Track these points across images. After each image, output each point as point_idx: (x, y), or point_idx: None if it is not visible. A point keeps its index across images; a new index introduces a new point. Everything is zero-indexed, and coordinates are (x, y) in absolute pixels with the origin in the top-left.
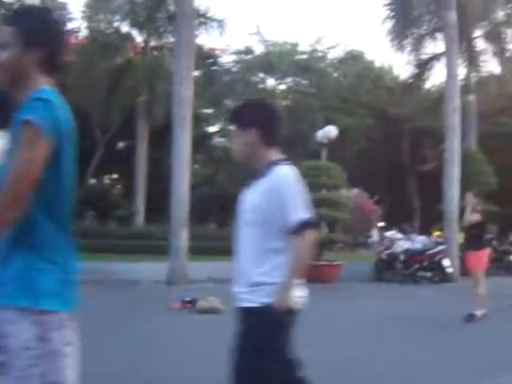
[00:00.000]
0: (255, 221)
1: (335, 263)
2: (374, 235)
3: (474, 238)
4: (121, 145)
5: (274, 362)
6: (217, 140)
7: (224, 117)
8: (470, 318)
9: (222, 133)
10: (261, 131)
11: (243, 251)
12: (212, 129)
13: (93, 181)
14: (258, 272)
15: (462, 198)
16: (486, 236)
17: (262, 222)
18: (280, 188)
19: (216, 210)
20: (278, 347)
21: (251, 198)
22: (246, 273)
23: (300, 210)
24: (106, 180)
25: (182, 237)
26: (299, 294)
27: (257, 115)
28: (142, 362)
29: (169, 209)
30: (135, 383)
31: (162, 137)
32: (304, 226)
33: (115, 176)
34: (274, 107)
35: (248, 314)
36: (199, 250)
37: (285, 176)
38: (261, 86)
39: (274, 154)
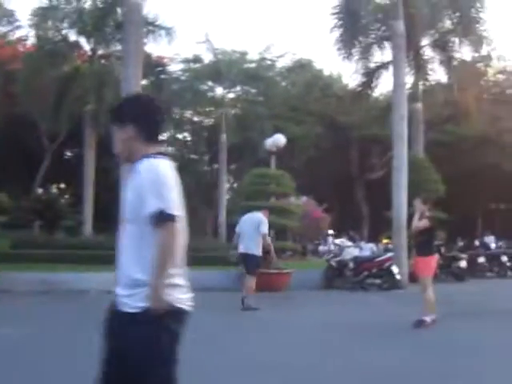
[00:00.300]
0: (131, 218)
1: (285, 271)
2: (324, 243)
3: (423, 244)
4: (68, 153)
5: (157, 369)
6: (165, 149)
7: (173, 125)
8: (419, 323)
9: (170, 141)
10: (138, 127)
11: (124, 250)
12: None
13: (40, 190)
14: (137, 270)
15: (410, 205)
16: (434, 242)
17: (136, 218)
18: (144, 181)
19: None
20: (161, 354)
21: (125, 195)
22: (126, 272)
23: (160, 202)
24: (54, 189)
25: None
26: (180, 295)
27: (133, 110)
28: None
29: (117, 218)
30: None
31: (110, 145)
32: (161, 218)
33: (63, 185)
34: (152, 101)
35: (128, 320)
36: None
37: (150, 168)
38: (209, 94)
39: (153, 150)
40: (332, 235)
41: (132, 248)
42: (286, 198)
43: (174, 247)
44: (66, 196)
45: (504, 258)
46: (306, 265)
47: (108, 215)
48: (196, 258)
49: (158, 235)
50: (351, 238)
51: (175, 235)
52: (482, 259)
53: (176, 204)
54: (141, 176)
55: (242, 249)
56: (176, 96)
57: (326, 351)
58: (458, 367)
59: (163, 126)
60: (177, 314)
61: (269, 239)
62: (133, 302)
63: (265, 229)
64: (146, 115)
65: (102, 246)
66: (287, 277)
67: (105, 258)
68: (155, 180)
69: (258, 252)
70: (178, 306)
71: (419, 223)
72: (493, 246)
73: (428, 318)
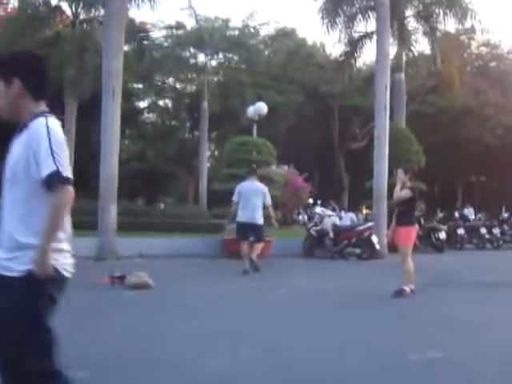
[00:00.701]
0: (17, 177)
1: (266, 239)
2: (304, 212)
3: (404, 213)
4: None
5: (31, 335)
6: (146, 116)
7: (154, 92)
8: (399, 293)
9: (151, 108)
10: (25, 83)
11: (8, 211)
12: (142, 104)
13: None
14: (24, 232)
15: (391, 175)
16: (414, 213)
17: (24, 178)
18: (35, 140)
19: (145, 186)
20: (37, 319)
21: (12, 153)
22: (10, 235)
23: (53, 164)
24: None
25: (111, 213)
26: (64, 261)
27: (19, 66)
28: (71, 338)
29: (98, 184)
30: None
31: (90, 112)
32: (57, 180)
33: None
34: (39, 58)
35: (7, 284)
36: (128, 225)
37: (42, 128)
38: (192, 61)
39: (41, 107)
40: (312, 204)
41: (17, 209)
42: (268, 166)
43: (66, 211)
44: None
45: (483, 230)
46: (287, 233)
47: (88, 181)
48: (178, 225)
49: (52, 197)
50: (331, 207)
51: (68, 198)
52: (461, 231)
53: (67, 166)
54: (33, 135)
55: (245, 218)
56: (158, 63)
57: (300, 319)
58: (436, 337)
59: (48, 84)
60: (59, 281)
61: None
62: (16, 265)
63: (270, 200)
64: (34, 72)
65: (82, 211)
66: (268, 244)
67: (85, 223)
68: (49, 140)
69: (262, 221)
70: (61, 272)
71: (401, 193)
72: (472, 218)
73: (407, 288)
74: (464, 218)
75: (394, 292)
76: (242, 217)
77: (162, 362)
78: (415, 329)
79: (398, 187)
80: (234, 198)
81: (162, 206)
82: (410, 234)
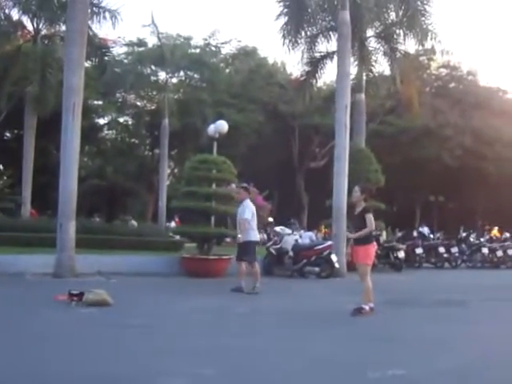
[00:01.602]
0: None
1: (224, 257)
2: (264, 231)
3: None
4: (8, 135)
5: None
6: (106, 132)
7: (115, 109)
8: (358, 311)
9: (111, 125)
10: None
11: None
12: (102, 121)
13: None
14: None
15: (350, 194)
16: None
17: None
18: None
19: (104, 203)
20: None
21: None
22: None
23: None
24: None
25: (69, 229)
26: None
27: None
28: (26, 357)
29: (57, 201)
30: (22, 380)
31: (50, 127)
32: None
33: (1, 167)
34: None
35: None
36: (87, 243)
37: None
38: (153, 78)
39: None
40: (272, 223)
41: None
42: (228, 184)
43: None
44: (5, 178)
45: (441, 249)
46: None
47: (47, 198)
48: (137, 243)
49: None
50: (291, 226)
51: None
52: (419, 250)
53: None
54: None
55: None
56: (119, 79)
57: (260, 337)
58: (394, 355)
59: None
60: None
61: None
62: None
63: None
64: None
65: (40, 228)
66: (226, 263)
67: (43, 240)
68: None
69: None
70: None
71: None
72: (430, 236)
73: (366, 307)
74: (423, 236)
75: (353, 310)
76: (256, 236)
77: (120, 381)
78: (375, 347)
79: (356, 205)
80: (249, 215)
81: (135, 223)
82: (369, 252)
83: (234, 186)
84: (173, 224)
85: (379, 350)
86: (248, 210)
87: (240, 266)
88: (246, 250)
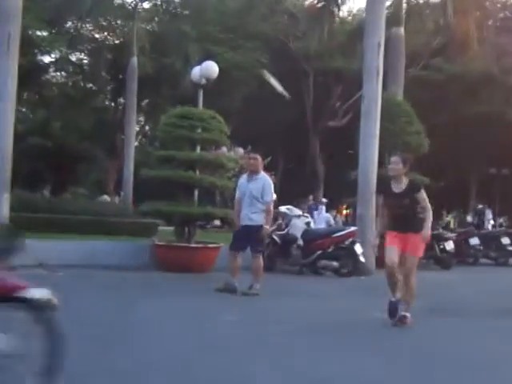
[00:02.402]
0: None
1: (211, 246)
2: None
3: (414, 216)
4: None
5: None
6: (52, 75)
7: (65, 43)
8: (400, 319)
9: (59, 64)
10: None
11: None
12: (46, 59)
13: None
14: None
15: (382, 163)
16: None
17: None
18: None
19: (49, 170)
20: None
21: None
22: None
23: None
24: None
25: (1, 205)
26: None
27: None
28: None
29: None
30: None
31: None
32: None
33: None
34: None
35: None
36: (25, 223)
37: None
38: (117, 1)
39: None
40: (275, 201)
41: None
42: (217, 148)
43: None
44: None
45: (505, 240)
46: None
47: None
48: (93, 224)
49: None
50: (301, 206)
51: None
52: (475, 241)
53: None
54: None
55: None
56: (71, 2)
57: (255, 353)
58: (429, 379)
59: None
60: None
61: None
62: None
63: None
64: None
65: None
66: (214, 253)
67: None
68: None
69: None
70: None
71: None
72: (490, 223)
73: (409, 314)
74: (479, 223)
75: (398, 318)
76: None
77: None
78: (406, 367)
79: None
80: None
81: (107, 198)
82: (419, 242)
83: (224, 149)
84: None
85: (414, 370)
86: (272, 189)
87: (234, 258)
88: (258, 237)
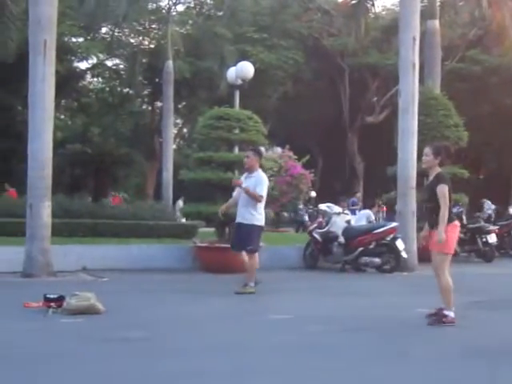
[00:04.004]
0: None
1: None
2: (304, 209)
3: (437, 211)
4: None
5: None
6: (89, 80)
7: (101, 48)
8: (436, 319)
9: (96, 70)
10: None
11: None
12: (83, 65)
13: None
14: None
15: (421, 158)
16: (452, 208)
17: None
18: None
19: (89, 176)
20: None
21: None
22: None
23: None
24: None
25: (43, 212)
26: None
27: None
28: None
29: (25, 174)
30: None
31: (12, 75)
32: None
33: None
34: None
35: None
36: (67, 229)
37: None
38: (151, 5)
39: None
40: (315, 198)
41: None
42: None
43: None
44: None
45: None
46: (281, 238)
47: (12, 169)
48: (135, 228)
49: None
50: (341, 203)
51: None
52: None
53: None
54: None
55: None
56: (106, 8)
57: (307, 353)
58: (485, 377)
59: None
60: None
61: None
62: None
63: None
64: None
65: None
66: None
67: (8, 227)
68: None
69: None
70: None
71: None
72: None
73: (448, 312)
74: None
75: (429, 317)
76: (263, 221)
77: None
78: (472, 370)
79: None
80: (265, 192)
81: (181, 204)
82: (448, 236)
83: (263, 149)
84: (181, 203)
85: (467, 371)
86: (264, 185)
87: (243, 257)
88: (250, 236)
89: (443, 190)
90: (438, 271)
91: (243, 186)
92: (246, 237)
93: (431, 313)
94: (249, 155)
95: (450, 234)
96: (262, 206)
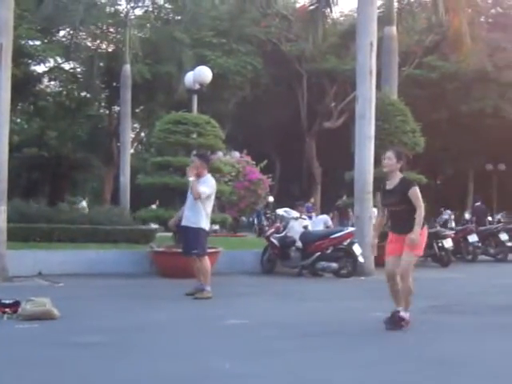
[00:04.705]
0: None
1: (209, 250)
2: (260, 214)
3: (410, 215)
4: None
5: None
6: (46, 84)
7: (57, 52)
8: (395, 322)
9: (53, 73)
10: None
11: None
12: (40, 68)
13: None
14: None
15: (378, 163)
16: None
17: None
18: None
19: (45, 180)
20: None
21: None
22: None
23: None
24: None
25: None
26: None
27: None
28: None
29: None
30: None
31: None
32: None
33: None
34: None
35: None
36: (24, 234)
37: None
38: (109, 9)
39: None
40: (273, 203)
41: None
42: (213, 153)
43: None
44: None
45: (503, 236)
46: (239, 243)
47: None
48: (92, 233)
49: None
50: (298, 208)
51: None
52: (473, 237)
53: None
54: None
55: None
56: (63, 11)
57: (262, 358)
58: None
59: None
60: None
61: None
62: None
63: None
64: None
65: None
66: (213, 258)
67: None
68: None
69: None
70: None
71: None
72: (488, 219)
73: (406, 315)
74: (478, 219)
75: (389, 320)
76: (208, 225)
77: None
78: (411, 366)
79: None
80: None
81: (85, 204)
82: (421, 239)
83: (220, 154)
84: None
85: (421, 374)
86: (209, 186)
87: (195, 261)
88: (196, 240)
89: (416, 193)
90: (406, 273)
91: (192, 178)
92: (191, 241)
93: (388, 317)
94: (194, 160)
95: (421, 237)
96: (208, 209)
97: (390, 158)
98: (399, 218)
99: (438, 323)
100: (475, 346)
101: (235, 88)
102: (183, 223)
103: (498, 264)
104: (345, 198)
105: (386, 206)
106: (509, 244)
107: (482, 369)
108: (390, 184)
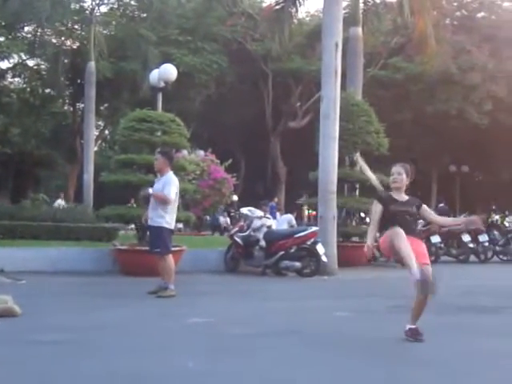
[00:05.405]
0: None
1: (173, 249)
2: (224, 213)
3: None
4: None
5: None
6: (10, 80)
7: (22, 48)
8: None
9: (17, 70)
10: None
11: None
12: (4, 64)
13: None
14: None
15: (341, 163)
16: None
17: None
18: None
19: (8, 177)
20: None
21: None
22: None
23: None
24: None
25: None
26: None
27: None
28: None
29: None
30: None
31: None
32: None
33: None
34: None
35: None
36: None
37: None
38: (75, 5)
39: None
40: (236, 202)
41: None
42: (178, 151)
43: None
44: None
45: (465, 238)
46: (202, 241)
47: None
48: (54, 231)
49: None
50: (262, 207)
51: None
52: (435, 238)
53: None
54: None
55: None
56: (28, 7)
57: (226, 357)
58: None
59: None
60: None
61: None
62: None
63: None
64: None
65: None
66: (177, 256)
67: None
68: None
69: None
70: None
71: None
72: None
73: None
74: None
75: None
76: (173, 224)
77: None
78: (369, 363)
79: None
80: (173, 194)
81: (62, 202)
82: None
83: (185, 153)
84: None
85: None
86: (172, 186)
87: (159, 260)
88: (159, 239)
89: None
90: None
91: (151, 191)
92: (154, 239)
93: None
94: (157, 158)
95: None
96: (172, 208)
97: (399, 173)
98: (414, 223)
99: (400, 322)
100: (433, 346)
101: (200, 86)
102: (148, 222)
103: (461, 265)
104: (304, 197)
105: (400, 213)
106: (471, 245)
107: (441, 368)
108: (399, 197)
